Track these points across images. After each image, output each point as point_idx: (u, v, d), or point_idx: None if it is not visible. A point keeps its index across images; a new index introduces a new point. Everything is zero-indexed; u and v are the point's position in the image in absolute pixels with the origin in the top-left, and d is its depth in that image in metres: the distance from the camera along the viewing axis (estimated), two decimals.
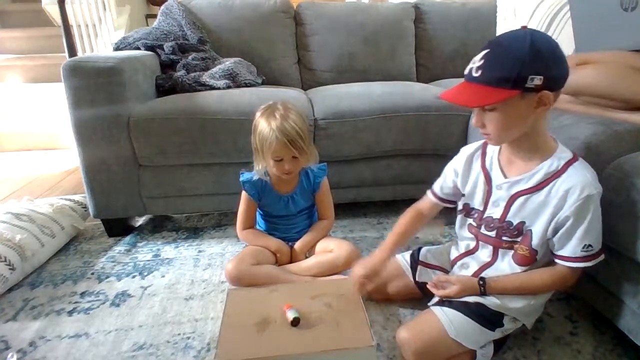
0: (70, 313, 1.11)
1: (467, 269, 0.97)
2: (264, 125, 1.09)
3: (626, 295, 0.84)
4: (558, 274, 0.84)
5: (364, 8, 2.12)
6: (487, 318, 0.85)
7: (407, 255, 1.09)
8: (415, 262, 1.07)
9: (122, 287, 1.22)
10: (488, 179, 0.90)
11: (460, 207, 0.98)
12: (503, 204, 0.87)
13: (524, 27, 0.76)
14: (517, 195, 0.84)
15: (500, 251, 0.90)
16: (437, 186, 1.03)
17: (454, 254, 1.03)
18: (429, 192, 1.05)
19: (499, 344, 0.89)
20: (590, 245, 0.79)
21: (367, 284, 0.98)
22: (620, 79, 1.00)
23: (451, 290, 0.89)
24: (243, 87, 1.72)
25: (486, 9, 2.12)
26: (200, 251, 1.42)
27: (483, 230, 0.91)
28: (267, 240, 1.22)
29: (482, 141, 0.93)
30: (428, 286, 0.94)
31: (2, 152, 2.83)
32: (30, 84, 3.12)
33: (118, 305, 1.14)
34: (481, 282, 0.88)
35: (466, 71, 0.78)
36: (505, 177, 0.87)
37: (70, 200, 1.61)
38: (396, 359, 0.92)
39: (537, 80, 0.72)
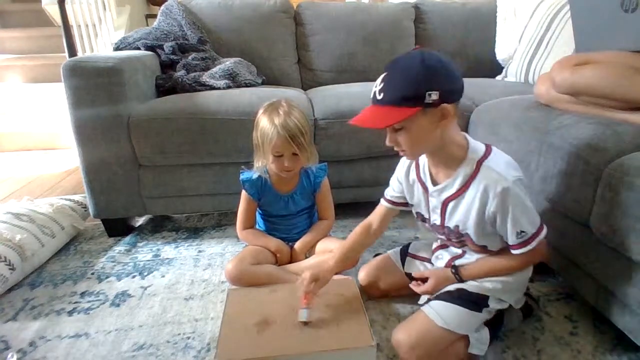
0: (70, 313, 1.11)
1: (441, 259, 1.02)
2: (266, 121, 1.10)
3: (626, 295, 0.84)
4: (517, 258, 0.88)
5: (364, 8, 2.12)
6: (472, 300, 0.89)
7: (397, 249, 1.14)
8: (404, 254, 1.11)
9: (122, 287, 1.22)
10: (425, 188, 0.94)
11: (415, 214, 1.03)
12: (439, 211, 0.92)
13: (417, 47, 0.83)
14: (447, 201, 0.89)
15: (465, 247, 0.96)
16: (388, 194, 1.06)
17: (434, 245, 1.08)
18: (382, 200, 1.07)
19: (494, 330, 0.91)
20: (522, 232, 0.83)
21: (313, 290, 0.93)
22: (621, 79, 1.00)
23: (427, 285, 0.94)
24: (243, 87, 1.72)
25: (486, 9, 2.12)
26: (200, 251, 1.42)
27: (436, 234, 0.99)
28: (267, 240, 1.22)
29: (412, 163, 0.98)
30: (410, 285, 0.98)
31: (2, 152, 2.83)
32: (30, 84, 3.12)
33: (118, 305, 1.14)
34: (453, 270, 0.94)
35: (371, 95, 0.82)
36: (435, 184, 0.91)
37: (70, 200, 1.61)
38: (396, 359, 0.92)
39: (435, 95, 0.76)
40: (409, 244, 1.14)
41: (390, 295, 1.11)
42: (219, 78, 1.69)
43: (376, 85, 0.81)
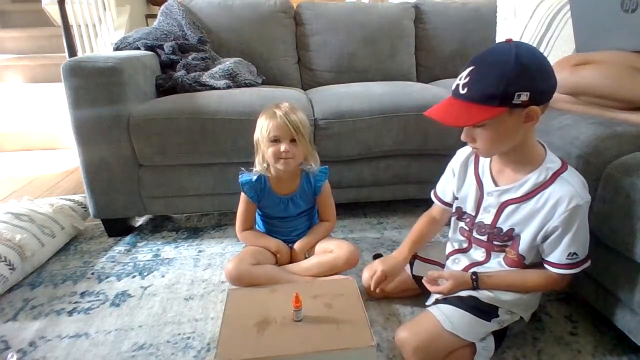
0: (70, 313, 1.11)
1: (458, 264, 0.98)
2: (265, 115, 1.13)
3: (626, 295, 0.84)
4: (549, 277, 0.86)
5: (364, 8, 2.12)
6: (482, 309, 0.87)
7: None
8: (412, 256, 1.08)
9: (122, 287, 1.22)
10: (480, 185, 0.91)
11: (453, 210, 1.00)
12: (494, 211, 0.89)
13: (509, 41, 0.74)
14: (507, 204, 0.86)
15: (493, 253, 0.93)
16: (440, 190, 1.04)
17: (449, 248, 1.05)
18: (434, 198, 1.06)
19: (499, 339, 0.90)
20: (575, 254, 0.82)
21: (385, 281, 1.01)
22: (621, 79, 1.00)
23: (445, 286, 0.91)
24: (243, 87, 1.72)
25: (486, 9, 2.12)
26: (200, 251, 1.42)
27: (475, 234, 0.94)
28: (267, 240, 1.22)
29: (471, 151, 0.95)
30: (423, 281, 0.96)
31: (2, 152, 2.83)
32: (30, 84, 3.12)
33: (118, 305, 1.14)
34: (474, 277, 0.90)
35: (453, 87, 0.78)
36: (496, 185, 0.88)
37: (70, 200, 1.61)
38: (396, 359, 0.92)
39: (524, 97, 0.71)
40: None
41: (392, 296, 1.11)
42: (219, 78, 1.69)
43: (460, 78, 0.76)
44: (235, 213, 1.26)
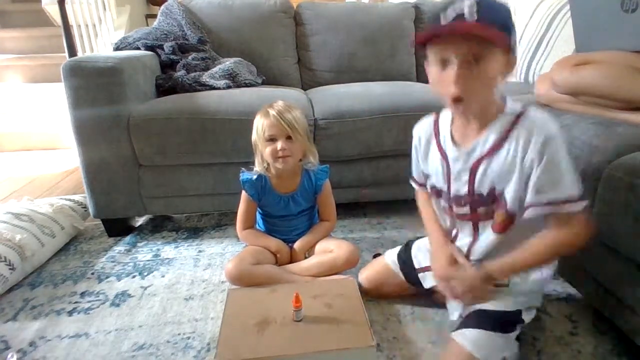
0: (70, 313, 1.11)
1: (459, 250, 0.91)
2: (260, 114, 1.14)
3: (626, 295, 0.84)
4: (554, 233, 0.77)
5: (364, 8, 2.12)
6: (508, 320, 0.84)
7: (393, 256, 1.10)
8: (403, 263, 1.06)
9: (122, 287, 1.22)
10: (444, 156, 0.86)
11: (429, 189, 0.94)
12: (465, 178, 0.82)
13: None
14: (477, 164, 0.80)
15: (480, 225, 0.85)
16: (415, 173, 1.00)
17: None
18: (413, 183, 1.02)
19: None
20: (555, 190, 0.73)
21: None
22: (621, 79, 1.00)
23: (458, 293, 0.85)
24: (243, 87, 1.72)
25: None
26: (200, 251, 1.42)
27: (456, 209, 0.87)
28: (267, 240, 1.22)
29: (432, 119, 0.91)
30: (435, 297, 0.98)
31: (2, 152, 2.83)
32: (30, 84, 3.12)
33: (118, 305, 1.14)
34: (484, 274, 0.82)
35: (452, 13, 0.68)
36: (460, 149, 0.82)
37: (70, 200, 1.61)
38: (396, 359, 0.92)
39: (514, 38, 0.71)
40: (406, 246, 1.09)
41: (392, 296, 1.11)
42: (219, 78, 1.69)
43: (465, 5, 0.67)
44: (235, 213, 1.26)
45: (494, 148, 0.77)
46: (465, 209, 0.85)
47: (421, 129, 0.93)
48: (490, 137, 0.77)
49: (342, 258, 1.15)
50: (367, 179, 1.55)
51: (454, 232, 0.92)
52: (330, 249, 1.19)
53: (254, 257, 1.16)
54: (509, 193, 0.77)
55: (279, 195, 1.21)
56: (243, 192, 1.22)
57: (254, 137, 1.16)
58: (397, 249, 1.11)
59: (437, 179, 0.89)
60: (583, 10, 1.21)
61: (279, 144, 1.10)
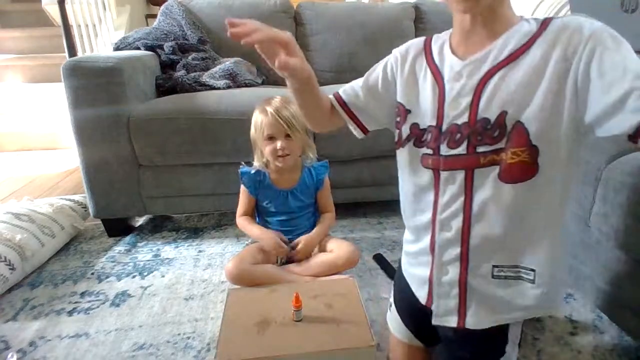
0: (70, 313, 1.11)
1: (449, 231, 0.63)
2: (258, 112, 1.14)
3: (626, 295, 0.84)
4: None
5: (364, 8, 2.12)
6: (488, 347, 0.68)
7: (396, 324, 0.84)
8: (410, 320, 0.81)
9: (122, 287, 1.22)
10: (438, 75, 0.63)
11: (405, 135, 0.67)
12: (468, 99, 0.59)
13: None
14: (487, 77, 0.58)
15: (477, 176, 0.59)
16: (346, 90, 0.77)
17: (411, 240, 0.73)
18: (330, 96, 0.78)
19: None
20: None
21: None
22: None
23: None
24: (243, 87, 1.72)
25: None
26: (200, 251, 1.42)
27: (445, 151, 0.61)
28: (261, 233, 1.19)
29: (421, 39, 0.71)
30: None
31: (2, 152, 2.83)
32: (30, 84, 3.12)
33: (118, 305, 1.14)
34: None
35: None
36: (465, 60, 0.61)
37: (70, 200, 1.61)
38: None
39: None
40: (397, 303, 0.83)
41: None
42: (219, 78, 1.69)
43: None
44: (235, 212, 1.26)
45: (515, 55, 0.56)
46: (460, 149, 0.59)
47: (403, 49, 0.71)
48: (510, 41, 0.57)
49: (342, 258, 1.15)
50: (367, 179, 1.55)
51: (430, 196, 0.65)
52: (330, 248, 1.19)
53: (254, 257, 1.16)
54: (531, 117, 0.54)
55: (277, 190, 1.21)
56: (242, 186, 1.22)
57: (252, 133, 1.17)
58: (394, 313, 0.84)
59: (422, 113, 0.65)
60: (583, 10, 1.21)
61: (279, 144, 1.11)
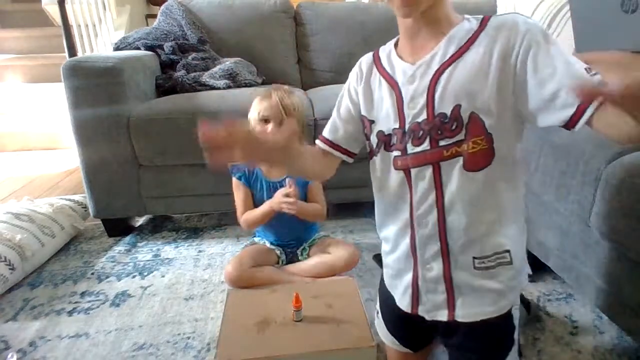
0: (70, 313, 1.11)
1: (427, 227, 0.65)
2: (263, 94, 1.15)
3: (626, 295, 0.84)
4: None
5: (364, 8, 2.13)
6: (499, 339, 0.69)
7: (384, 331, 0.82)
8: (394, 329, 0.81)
9: (122, 287, 1.22)
10: (392, 83, 0.66)
11: (374, 144, 0.70)
12: (424, 98, 0.61)
13: None
14: (437, 76, 0.61)
15: (444, 168, 0.62)
16: (328, 129, 0.79)
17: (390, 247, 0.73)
18: (317, 142, 0.80)
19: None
20: (589, 67, 0.52)
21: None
22: None
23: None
24: (243, 87, 1.72)
25: (486, 9, 2.12)
26: (200, 251, 1.42)
27: (411, 149, 0.64)
28: (267, 204, 1.16)
29: (369, 54, 0.76)
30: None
31: (2, 152, 2.83)
32: (30, 84, 3.12)
33: (118, 305, 1.14)
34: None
35: None
36: (413, 65, 0.64)
37: (70, 200, 1.61)
38: None
39: None
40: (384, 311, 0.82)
41: None
42: (219, 78, 1.69)
43: None
44: (234, 212, 1.26)
45: (459, 52, 0.60)
46: (424, 145, 0.62)
47: (357, 67, 0.75)
48: (452, 41, 0.61)
49: (341, 259, 1.15)
50: (367, 179, 1.55)
51: (406, 196, 0.67)
52: (329, 250, 1.18)
53: (253, 259, 1.15)
54: (482, 107, 0.58)
55: (268, 181, 1.20)
56: (234, 181, 1.21)
57: (250, 114, 1.17)
58: (380, 320, 0.83)
59: (385, 120, 0.67)
60: (583, 10, 1.21)
61: (270, 127, 1.11)
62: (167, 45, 1.75)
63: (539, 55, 0.56)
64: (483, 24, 0.61)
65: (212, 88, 1.63)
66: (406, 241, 0.68)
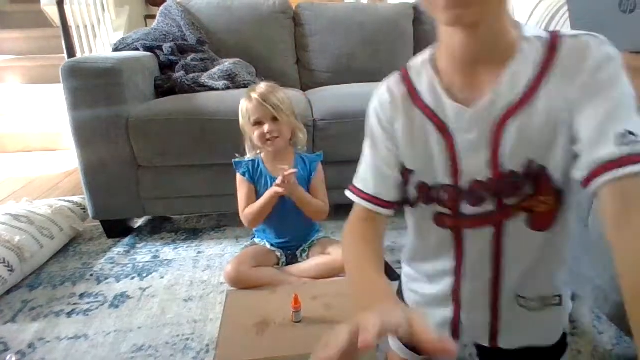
0: (69, 314, 1.11)
1: (477, 282, 0.58)
2: (244, 98, 1.15)
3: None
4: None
5: (363, 9, 2.13)
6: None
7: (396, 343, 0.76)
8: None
9: (121, 288, 1.22)
10: (441, 126, 0.52)
11: (412, 196, 0.58)
12: (487, 152, 0.50)
13: None
14: (501, 124, 0.49)
15: (506, 226, 0.54)
16: (368, 184, 0.60)
17: (438, 314, 0.63)
18: (358, 199, 0.60)
19: None
20: (631, 133, 0.42)
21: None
22: None
23: None
24: (242, 87, 1.71)
25: None
26: (199, 252, 1.42)
27: (467, 210, 0.54)
28: (268, 192, 1.15)
29: (396, 79, 0.58)
30: None
31: (1, 153, 2.83)
32: (29, 85, 3.11)
33: (117, 307, 1.13)
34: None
35: None
36: (469, 105, 0.50)
37: (69, 201, 1.61)
38: None
39: None
40: None
41: None
42: (217, 79, 1.69)
43: None
44: (234, 213, 1.26)
45: (527, 95, 0.48)
46: (486, 206, 0.53)
47: (386, 95, 0.58)
48: (518, 75, 0.48)
49: (340, 261, 1.14)
50: None
51: (450, 250, 0.58)
52: (329, 251, 1.18)
53: (253, 260, 1.15)
54: (555, 161, 0.49)
55: (273, 178, 1.20)
56: (238, 176, 1.21)
57: (241, 121, 1.17)
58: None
59: (430, 171, 0.55)
60: (581, 10, 1.22)
61: (266, 127, 1.11)
62: (166, 46, 1.75)
63: (595, 103, 0.45)
64: (552, 49, 0.48)
65: (211, 89, 1.63)
66: (447, 285, 0.60)
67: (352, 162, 1.71)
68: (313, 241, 1.25)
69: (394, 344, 0.77)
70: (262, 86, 1.15)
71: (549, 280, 0.59)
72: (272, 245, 1.24)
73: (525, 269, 0.56)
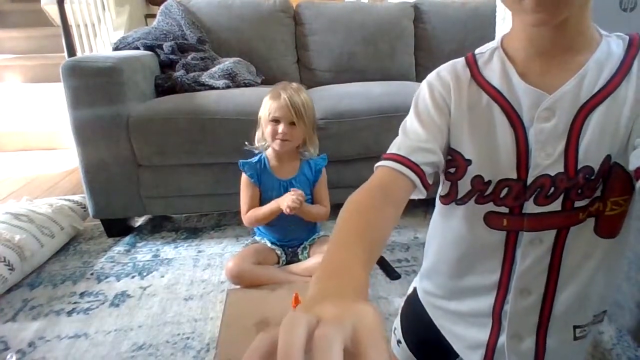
0: (69, 313, 1.11)
1: (528, 298, 0.51)
2: (271, 94, 1.15)
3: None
4: None
5: (363, 8, 2.12)
6: None
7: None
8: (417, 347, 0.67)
9: (122, 287, 1.22)
10: (511, 112, 0.47)
11: (464, 191, 0.51)
12: (562, 143, 0.45)
13: None
14: (584, 113, 0.45)
15: (573, 232, 0.48)
16: (394, 146, 0.53)
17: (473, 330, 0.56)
18: (380, 163, 0.54)
19: None
20: None
21: None
22: None
23: None
24: (242, 87, 1.72)
25: (485, 9, 2.12)
26: (199, 251, 1.42)
27: (531, 208, 0.48)
28: (275, 202, 1.16)
29: (460, 62, 0.55)
30: None
31: (1, 152, 2.83)
32: (29, 84, 3.11)
33: (117, 306, 1.13)
34: None
35: None
36: (547, 91, 0.46)
37: (69, 200, 1.61)
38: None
39: None
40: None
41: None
42: (218, 78, 1.69)
43: None
44: (234, 213, 1.26)
45: (612, 84, 0.44)
46: (554, 205, 0.47)
47: (443, 75, 0.53)
48: (602, 67, 0.45)
49: None
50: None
51: (497, 258, 0.51)
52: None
53: (255, 257, 1.16)
54: (632, 154, 0.43)
55: (277, 179, 1.21)
56: (243, 178, 1.21)
57: (260, 112, 1.18)
58: (405, 350, 0.67)
59: (492, 163, 0.49)
60: None
61: (281, 127, 1.12)
62: (167, 45, 1.75)
63: None
64: (634, 46, 0.46)
65: (212, 88, 1.63)
66: (487, 303, 0.53)
67: (352, 161, 1.73)
68: (314, 239, 1.25)
69: (394, 345, 0.73)
70: (294, 86, 1.16)
71: (603, 296, 0.53)
72: (272, 243, 1.24)
73: (585, 287, 0.50)
